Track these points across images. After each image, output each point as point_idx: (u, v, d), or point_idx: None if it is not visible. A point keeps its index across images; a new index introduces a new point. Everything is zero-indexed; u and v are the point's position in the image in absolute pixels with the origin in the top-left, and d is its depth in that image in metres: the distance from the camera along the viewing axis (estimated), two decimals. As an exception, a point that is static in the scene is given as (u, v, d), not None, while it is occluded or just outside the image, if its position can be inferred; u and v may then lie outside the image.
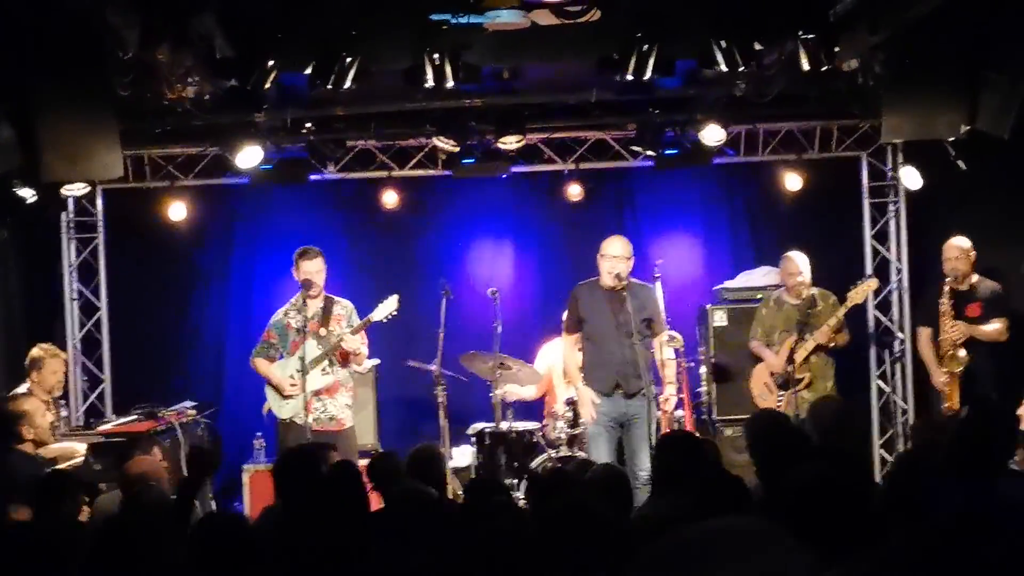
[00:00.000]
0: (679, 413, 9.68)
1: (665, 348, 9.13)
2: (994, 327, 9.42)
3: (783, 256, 9.96)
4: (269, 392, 9.28)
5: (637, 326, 8.67)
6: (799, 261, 9.79)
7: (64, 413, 9.47)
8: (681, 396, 9.60)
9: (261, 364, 9.30)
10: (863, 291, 9.77)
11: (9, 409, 7.99)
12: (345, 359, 9.20)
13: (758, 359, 9.95)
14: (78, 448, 8.52)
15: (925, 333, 9.76)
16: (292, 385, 9.04)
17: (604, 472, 6.20)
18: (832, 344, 9.62)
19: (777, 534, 2.21)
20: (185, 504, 6.14)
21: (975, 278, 9.54)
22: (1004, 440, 5.29)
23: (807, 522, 3.61)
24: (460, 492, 8.90)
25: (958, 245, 9.50)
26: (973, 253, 9.48)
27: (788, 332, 9.71)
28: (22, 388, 8.71)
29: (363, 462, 6.80)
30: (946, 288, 9.47)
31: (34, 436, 7.96)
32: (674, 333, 9.39)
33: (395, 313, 9.19)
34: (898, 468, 5.29)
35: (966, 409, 7.29)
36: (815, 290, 9.79)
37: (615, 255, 8.86)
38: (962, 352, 9.37)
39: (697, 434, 8.26)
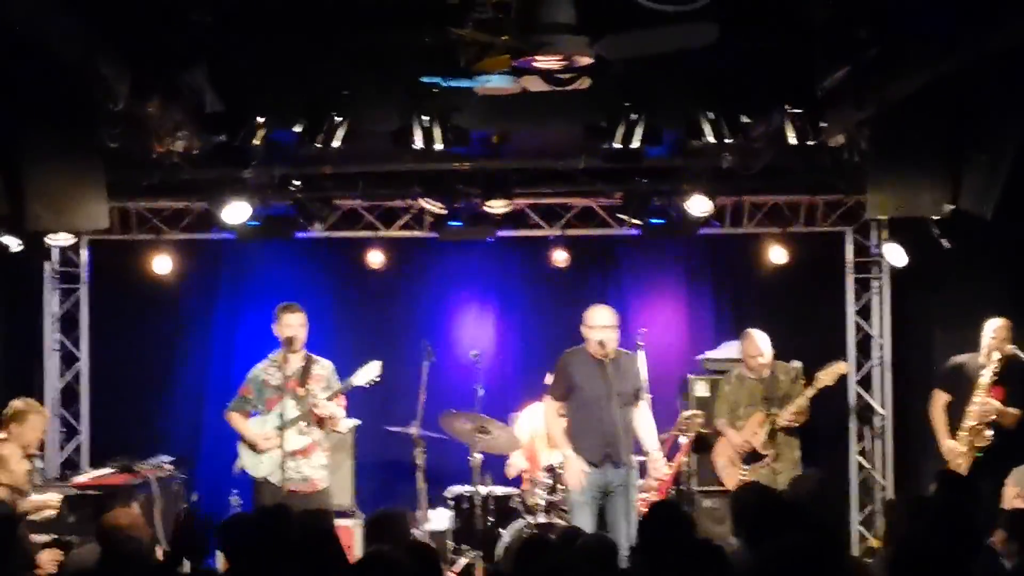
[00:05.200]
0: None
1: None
2: (1015, 412, 9.03)
3: (743, 333, 9.92)
4: (242, 450, 9.14)
5: (626, 395, 8.66)
6: (759, 340, 9.72)
7: (40, 465, 9.38)
8: (670, 464, 9.57)
9: (236, 419, 9.18)
10: (832, 373, 9.64)
11: None
12: (321, 421, 9.09)
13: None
14: (54, 500, 8.42)
15: (942, 398, 9.31)
16: (266, 440, 8.93)
17: (596, 542, 6.10)
18: (791, 424, 9.58)
19: None
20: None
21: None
22: (974, 516, 5.27)
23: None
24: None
25: (1007, 324, 9.11)
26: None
27: (753, 406, 9.67)
28: None
29: (338, 522, 6.70)
30: (994, 361, 9.01)
31: (10, 481, 7.87)
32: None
33: (377, 380, 9.11)
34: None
35: (935, 486, 7.19)
36: (777, 363, 9.75)
37: (604, 325, 8.73)
38: (989, 432, 8.97)
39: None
